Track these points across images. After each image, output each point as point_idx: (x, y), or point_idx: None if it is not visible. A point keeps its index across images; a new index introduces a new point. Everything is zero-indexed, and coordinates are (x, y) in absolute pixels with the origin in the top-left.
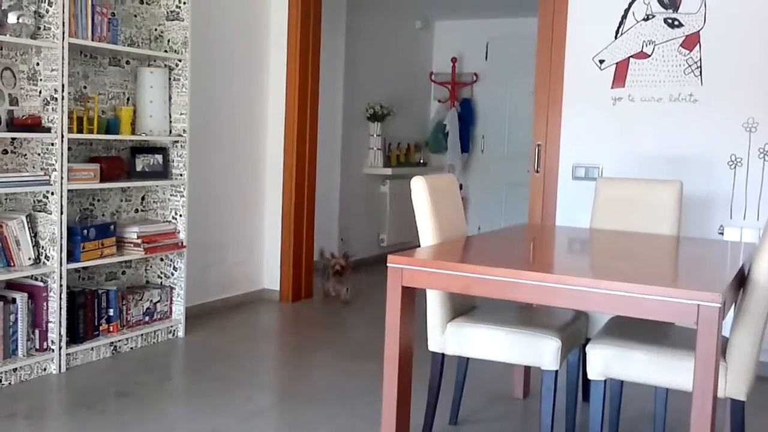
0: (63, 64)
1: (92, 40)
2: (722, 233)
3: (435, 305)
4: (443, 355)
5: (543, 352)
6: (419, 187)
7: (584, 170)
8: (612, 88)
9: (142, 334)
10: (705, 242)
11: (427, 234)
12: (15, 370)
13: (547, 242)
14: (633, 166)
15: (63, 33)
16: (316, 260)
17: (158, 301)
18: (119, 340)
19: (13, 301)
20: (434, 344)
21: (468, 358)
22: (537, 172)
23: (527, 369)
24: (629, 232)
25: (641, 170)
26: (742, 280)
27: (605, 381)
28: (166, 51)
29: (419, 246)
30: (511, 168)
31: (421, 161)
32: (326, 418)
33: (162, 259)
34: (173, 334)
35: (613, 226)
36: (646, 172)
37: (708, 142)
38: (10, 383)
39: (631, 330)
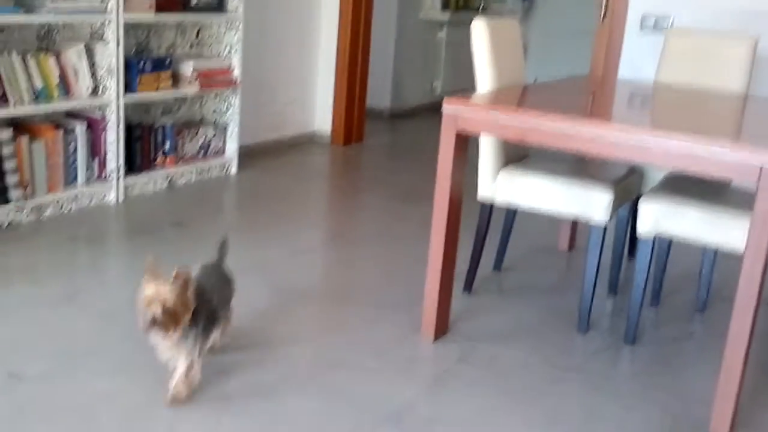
0: None
1: None
2: None
3: (487, 153)
4: (492, 204)
5: (594, 204)
6: (480, 30)
7: (654, 20)
8: None
9: (196, 169)
10: None
11: (485, 79)
12: (75, 197)
13: (608, 94)
14: (707, 19)
15: None
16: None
17: (212, 138)
18: (175, 173)
19: (73, 130)
20: (484, 192)
21: (516, 209)
22: (603, 20)
23: (574, 223)
24: (696, 88)
25: (716, 23)
26: None
27: (654, 239)
28: None
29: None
30: (576, 16)
31: (482, 6)
32: (374, 257)
33: (216, 96)
34: (226, 170)
35: (680, 81)
36: (721, 26)
37: None
38: (70, 210)
39: (686, 188)
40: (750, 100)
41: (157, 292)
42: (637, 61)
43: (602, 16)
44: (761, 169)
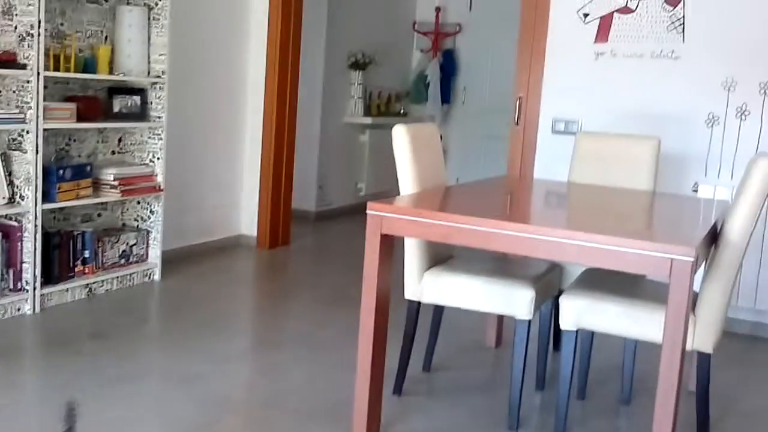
0: None
1: None
2: (696, 190)
3: (413, 254)
4: (419, 303)
5: (517, 301)
6: (401, 135)
7: (564, 124)
8: (595, 42)
9: (117, 277)
10: (680, 198)
11: (407, 182)
12: None
13: (525, 194)
14: (612, 122)
15: None
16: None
17: (134, 244)
18: (95, 282)
19: None
20: (411, 292)
21: (443, 307)
22: (517, 124)
23: (500, 319)
24: (606, 187)
25: (620, 126)
26: (714, 237)
27: (577, 332)
28: None
29: (398, 195)
30: (491, 120)
31: (402, 111)
32: (301, 363)
33: (139, 202)
34: (149, 277)
35: (591, 180)
36: (625, 128)
37: (687, 100)
38: None
39: (603, 282)
40: (657, 196)
41: None
42: (551, 161)
43: (516, 120)
44: (672, 261)
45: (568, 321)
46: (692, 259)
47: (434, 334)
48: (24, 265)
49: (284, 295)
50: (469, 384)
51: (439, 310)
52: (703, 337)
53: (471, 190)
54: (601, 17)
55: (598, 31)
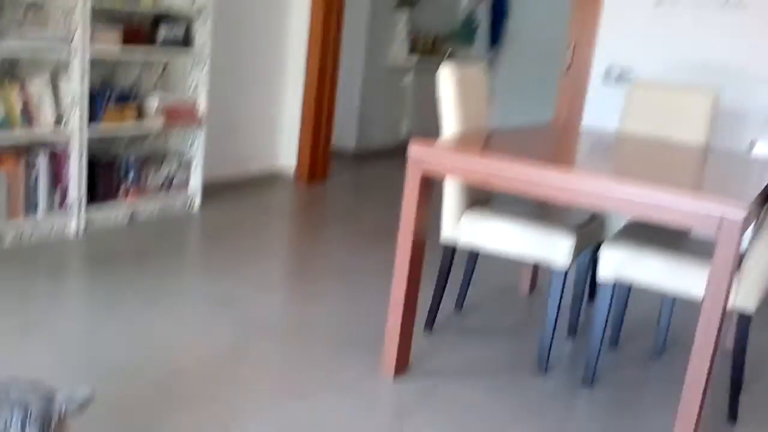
0: None
1: None
2: (752, 147)
3: (452, 195)
4: (455, 245)
5: (556, 249)
6: (447, 75)
7: (618, 72)
8: None
9: (158, 203)
10: (734, 155)
11: (451, 124)
12: (35, 226)
13: (572, 142)
14: (668, 72)
15: None
16: None
17: (176, 172)
18: (137, 207)
19: (35, 159)
20: (448, 234)
21: (478, 252)
22: (568, 70)
23: (535, 266)
24: (657, 139)
25: (677, 77)
26: (767, 197)
27: (615, 284)
28: None
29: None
30: (540, 65)
31: (448, 53)
32: (335, 294)
33: (181, 132)
34: (189, 205)
35: (642, 132)
36: (681, 80)
37: (750, 52)
38: (30, 239)
39: (646, 236)
40: (710, 151)
41: None
42: (601, 110)
43: (567, 66)
44: (721, 219)
45: (607, 272)
46: (742, 218)
47: (468, 277)
48: (70, 186)
49: (321, 228)
50: (500, 327)
51: (474, 254)
52: (745, 297)
53: (515, 135)
54: None
55: None
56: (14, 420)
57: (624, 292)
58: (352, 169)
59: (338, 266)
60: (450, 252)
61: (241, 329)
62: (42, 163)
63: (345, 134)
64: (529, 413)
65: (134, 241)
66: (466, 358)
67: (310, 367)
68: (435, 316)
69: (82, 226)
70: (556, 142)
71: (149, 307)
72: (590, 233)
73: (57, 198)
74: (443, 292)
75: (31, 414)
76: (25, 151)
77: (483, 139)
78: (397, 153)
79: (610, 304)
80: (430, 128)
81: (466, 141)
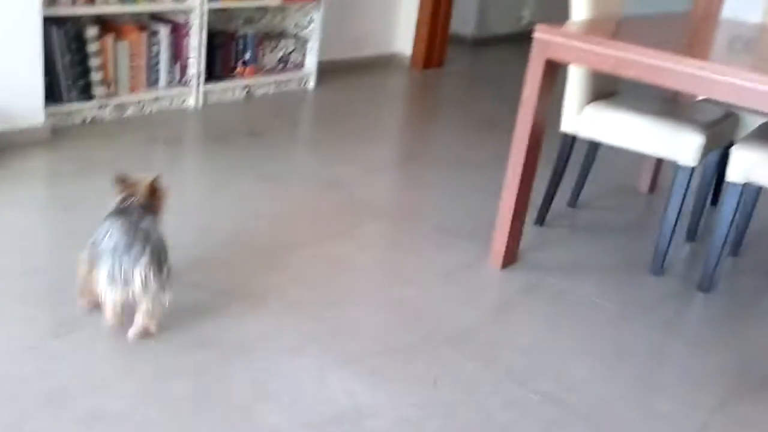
0: None
1: None
2: None
3: (576, 84)
4: (574, 137)
5: (684, 146)
6: None
7: None
8: None
9: (274, 81)
10: None
11: (581, 9)
12: (156, 99)
13: (709, 32)
14: None
15: None
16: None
17: (292, 51)
18: (253, 84)
19: (157, 32)
20: (568, 125)
21: (599, 144)
22: None
23: (658, 164)
24: None
25: None
26: None
27: (743, 186)
28: None
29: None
30: None
31: None
32: (446, 181)
33: (299, 10)
34: (304, 84)
35: None
36: None
37: None
38: (151, 111)
39: None
40: None
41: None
42: (743, 1)
43: None
44: None
45: (736, 173)
46: None
47: (585, 171)
48: (189, 60)
49: (434, 114)
50: (614, 224)
51: (594, 147)
52: None
53: (648, 23)
54: None
55: None
56: (139, 244)
57: (752, 197)
58: (469, 55)
59: (450, 154)
60: (569, 143)
61: (349, 210)
62: (164, 36)
63: (464, 19)
64: (638, 312)
65: (249, 117)
66: (576, 254)
67: (417, 253)
68: (548, 210)
69: (200, 101)
70: (694, 32)
71: (260, 182)
72: (721, 132)
73: (177, 72)
74: (558, 185)
75: (151, 241)
76: (147, 24)
77: (614, 26)
78: (518, 40)
79: (737, 208)
80: (554, 15)
81: (595, 27)
